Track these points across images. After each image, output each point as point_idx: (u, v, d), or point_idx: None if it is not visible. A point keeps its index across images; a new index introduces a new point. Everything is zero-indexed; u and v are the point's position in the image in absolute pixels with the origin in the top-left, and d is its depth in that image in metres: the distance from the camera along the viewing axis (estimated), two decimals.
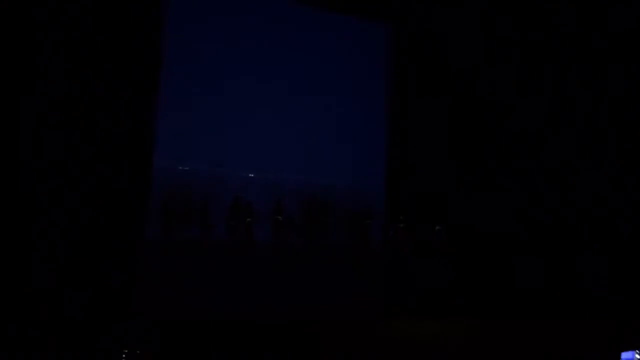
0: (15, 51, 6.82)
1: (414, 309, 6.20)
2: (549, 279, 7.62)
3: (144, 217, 7.52)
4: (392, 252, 7.80)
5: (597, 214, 8.36)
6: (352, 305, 6.33)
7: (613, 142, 8.61)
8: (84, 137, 7.34)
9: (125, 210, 7.38)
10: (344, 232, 8.20)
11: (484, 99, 8.61)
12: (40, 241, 6.77)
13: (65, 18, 7.08)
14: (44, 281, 6.37)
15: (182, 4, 8.14)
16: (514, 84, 8.63)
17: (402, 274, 7.40)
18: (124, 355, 5.20)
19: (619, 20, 8.15)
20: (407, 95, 8.72)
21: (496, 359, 5.42)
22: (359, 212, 8.28)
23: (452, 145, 8.54)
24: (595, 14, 8.31)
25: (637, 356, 4.37)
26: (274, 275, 7.00)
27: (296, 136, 8.65)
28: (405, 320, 5.93)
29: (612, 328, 5.76)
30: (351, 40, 8.95)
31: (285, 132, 8.60)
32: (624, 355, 4.55)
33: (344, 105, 8.82)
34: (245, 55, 8.44)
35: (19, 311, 5.76)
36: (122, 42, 7.51)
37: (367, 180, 8.81)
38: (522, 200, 8.39)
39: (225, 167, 8.32)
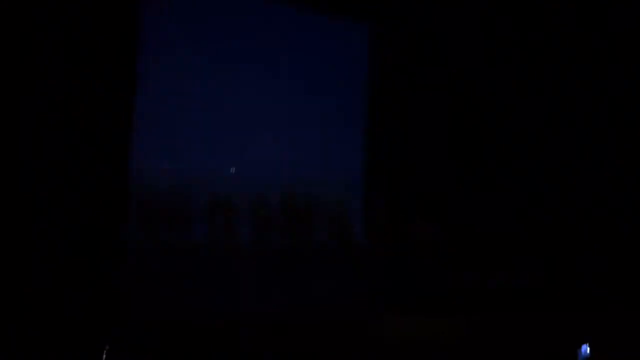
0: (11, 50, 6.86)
1: (407, 308, 6.16)
2: (549, 278, 7.63)
3: (127, 218, 7.52)
4: (379, 249, 7.80)
5: (597, 214, 8.38)
6: (342, 303, 6.27)
7: (613, 142, 8.64)
8: (72, 137, 7.35)
9: (108, 212, 7.38)
10: (330, 229, 8.20)
11: (483, 99, 8.62)
12: (35, 241, 6.79)
13: (59, 17, 7.12)
14: (40, 282, 6.39)
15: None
16: (514, 84, 8.65)
17: (391, 272, 7.39)
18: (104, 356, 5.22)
19: (619, 20, 8.17)
20: (397, 91, 8.66)
21: (496, 357, 5.44)
22: (345, 209, 8.28)
23: (449, 142, 8.51)
24: (595, 14, 8.33)
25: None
26: (260, 276, 6.92)
27: (281, 132, 8.60)
28: (399, 319, 5.92)
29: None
30: (341, 38, 8.87)
31: (270, 128, 8.55)
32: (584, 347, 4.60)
33: (330, 102, 8.75)
34: (229, 54, 8.41)
35: (18, 311, 5.76)
36: (100, 39, 7.52)
37: (352, 176, 8.77)
38: (521, 200, 8.40)
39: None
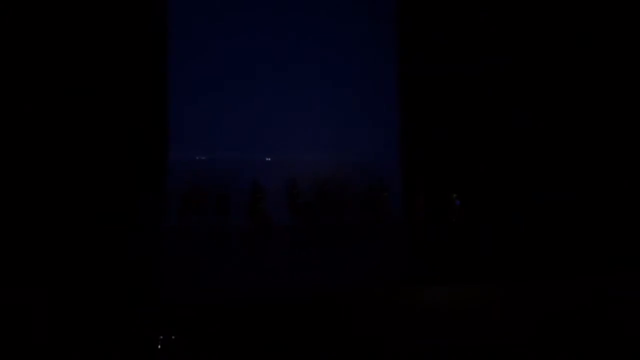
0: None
1: (438, 276, 6.24)
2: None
3: (164, 206, 7.63)
4: (411, 223, 7.91)
5: None
6: (376, 277, 6.38)
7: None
8: (98, 131, 7.45)
9: (144, 200, 7.47)
10: (362, 207, 8.38)
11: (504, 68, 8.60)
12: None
13: None
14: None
15: None
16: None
17: (423, 243, 7.50)
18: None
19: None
20: (422, 66, 8.69)
21: (522, 322, 5.55)
22: (376, 186, 8.48)
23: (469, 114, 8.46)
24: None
25: None
26: (297, 256, 7.01)
27: (311, 115, 8.74)
28: (431, 288, 6.02)
29: None
30: (365, 14, 9.02)
31: (299, 112, 8.68)
32: None
33: (356, 80, 8.88)
34: (255, 39, 8.59)
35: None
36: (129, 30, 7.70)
37: (382, 153, 8.89)
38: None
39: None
